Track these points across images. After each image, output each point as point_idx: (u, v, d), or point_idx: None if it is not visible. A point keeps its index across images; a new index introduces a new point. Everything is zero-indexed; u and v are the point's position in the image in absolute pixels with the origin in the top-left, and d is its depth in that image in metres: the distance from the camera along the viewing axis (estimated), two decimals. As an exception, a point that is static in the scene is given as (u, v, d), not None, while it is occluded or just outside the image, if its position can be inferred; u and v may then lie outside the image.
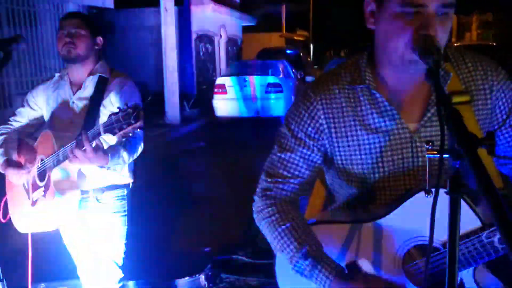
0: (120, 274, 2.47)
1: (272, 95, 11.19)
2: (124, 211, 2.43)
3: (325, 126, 1.35)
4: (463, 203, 1.14)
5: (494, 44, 18.41)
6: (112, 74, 2.37)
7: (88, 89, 2.33)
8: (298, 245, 1.31)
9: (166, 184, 6.42)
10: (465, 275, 1.21)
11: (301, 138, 1.37)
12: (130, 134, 1.85)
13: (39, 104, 2.45)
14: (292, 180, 1.39)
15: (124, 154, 2.15)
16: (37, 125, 2.49)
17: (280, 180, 1.39)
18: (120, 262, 2.46)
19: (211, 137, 10.41)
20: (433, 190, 0.84)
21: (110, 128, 1.84)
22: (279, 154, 1.40)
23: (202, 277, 3.25)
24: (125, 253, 2.46)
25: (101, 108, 2.26)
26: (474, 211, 1.17)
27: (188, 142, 9.83)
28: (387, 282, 1.27)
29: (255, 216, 1.43)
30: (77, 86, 2.36)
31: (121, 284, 2.49)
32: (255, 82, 11.44)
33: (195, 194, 6.09)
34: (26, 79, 8.64)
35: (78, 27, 2.28)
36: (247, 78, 11.52)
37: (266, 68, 11.96)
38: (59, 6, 9.27)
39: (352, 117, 1.33)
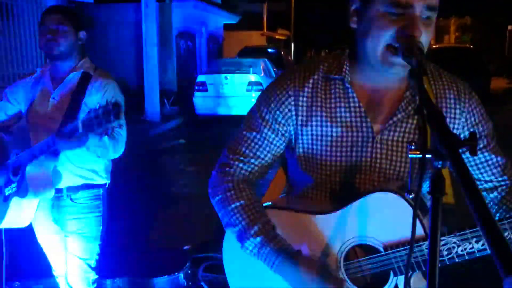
0: (93, 275, 2.43)
1: (253, 94, 11.18)
2: (99, 211, 2.39)
3: (293, 112, 1.36)
4: (411, 211, 1.17)
5: (471, 47, 18.75)
6: (95, 72, 2.33)
7: (70, 86, 2.28)
8: (250, 222, 1.31)
9: (145, 182, 6.36)
10: (401, 281, 1.23)
11: (268, 120, 1.37)
12: (110, 132, 1.82)
13: (18, 99, 2.40)
14: (252, 160, 1.39)
15: (105, 138, 2.09)
16: (15, 119, 2.43)
17: (241, 158, 1.39)
18: (93, 263, 2.41)
19: (191, 134, 10.36)
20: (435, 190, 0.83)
21: (89, 124, 1.81)
22: (244, 132, 1.40)
23: (181, 275, 3.23)
24: (99, 254, 2.42)
25: (83, 105, 2.22)
26: (420, 221, 1.18)
27: (168, 140, 9.77)
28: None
29: (210, 191, 1.42)
30: (58, 82, 2.31)
31: (95, 284, 2.46)
32: (236, 80, 11.43)
33: (174, 192, 6.05)
34: (4, 73, 8.46)
35: (60, 22, 2.23)
36: (228, 76, 11.50)
37: (247, 66, 11.95)
38: (38, -1, 9.10)
39: (320, 107, 1.34)
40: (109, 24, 13.83)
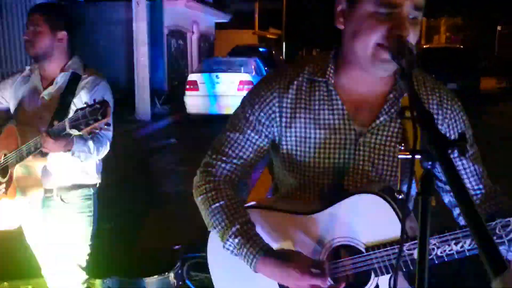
0: (84, 275, 2.41)
1: (244, 93, 11.14)
2: (90, 211, 2.38)
3: (277, 114, 1.36)
4: (392, 212, 1.18)
5: (461, 47, 18.89)
6: (85, 71, 2.31)
7: (59, 85, 2.26)
8: (229, 223, 1.32)
9: (136, 181, 6.33)
10: (381, 281, 1.24)
11: (252, 121, 1.38)
12: (97, 131, 1.81)
13: (6, 98, 2.37)
14: (235, 161, 1.40)
15: (90, 143, 2.09)
16: (3, 118, 2.41)
17: (224, 158, 1.40)
18: (84, 264, 2.40)
19: (182, 134, 10.33)
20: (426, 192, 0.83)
21: (76, 123, 1.80)
22: (228, 133, 1.41)
23: (171, 275, 3.21)
24: (89, 254, 2.41)
25: (72, 105, 2.20)
26: (400, 221, 1.19)
27: (159, 139, 9.73)
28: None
29: (193, 190, 1.43)
30: (48, 81, 2.29)
31: (85, 284, 2.44)
32: (227, 79, 11.41)
33: (165, 192, 6.03)
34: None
35: (37, 23, 2.20)
36: (219, 75, 11.48)
37: (238, 66, 11.95)
38: (27, -3, 9.02)
39: (304, 109, 1.35)
40: (100, 23, 13.73)
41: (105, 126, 1.83)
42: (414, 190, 1.32)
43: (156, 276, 3.18)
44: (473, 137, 1.39)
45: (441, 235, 1.18)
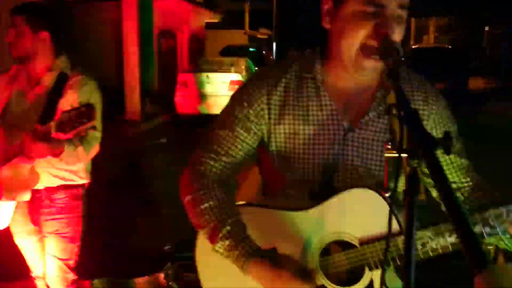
0: (72, 276, 2.40)
1: (235, 93, 11.15)
2: (79, 211, 2.36)
3: (266, 111, 1.37)
4: (386, 205, 1.20)
5: (450, 47, 19.03)
6: (73, 71, 2.28)
7: (46, 86, 2.24)
8: (219, 224, 1.30)
9: (126, 182, 6.31)
10: (376, 276, 1.25)
11: (241, 118, 1.38)
12: (83, 134, 1.80)
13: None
14: (224, 158, 1.39)
15: (80, 148, 2.08)
16: None
17: (212, 156, 1.39)
18: (72, 264, 2.38)
19: (173, 134, 10.29)
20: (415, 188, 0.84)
21: (61, 127, 1.78)
22: (217, 130, 1.41)
23: (161, 275, 3.21)
24: (78, 254, 2.39)
25: (59, 106, 2.18)
26: (395, 216, 1.20)
27: (149, 139, 9.69)
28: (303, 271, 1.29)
29: (180, 191, 1.42)
30: (35, 81, 2.27)
31: (75, 285, 2.43)
32: (218, 79, 11.39)
33: (155, 192, 6.00)
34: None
35: (18, 25, 2.18)
36: (210, 75, 11.46)
37: (229, 65, 11.93)
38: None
39: (292, 106, 1.36)
40: (89, 22, 13.63)
41: (92, 129, 1.82)
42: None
43: (146, 277, 3.18)
44: (458, 132, 1.42)
45: (435, 227, 1.20)
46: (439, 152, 0.82)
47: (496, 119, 11.89)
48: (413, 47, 18.64)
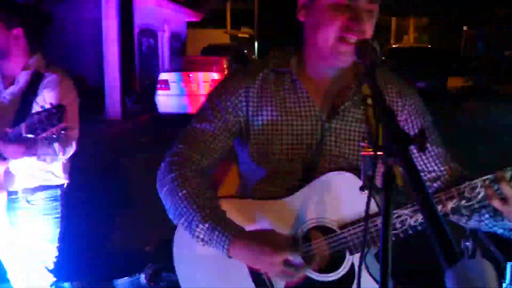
0: (51, 278, 2.36)
1: (216, 92, 11.11)
2: (57, 213, 2.33)
3: (244, 104, 1.38)
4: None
5: (429, 46, 19.28)
6: (48, 69, 2.24)
7: (20, 85, 2.20)
8: (197, 208, 1.29)
9: (106, 181, 6.24)
10: (356, 259, 1.26)
11: (218, 111, 1.39)
12: (54, 136, 1.77)
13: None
14: (202, 150, 1.39)
15: (56, 145, 2.04)
16: None
17: (190, 148, 1.39)
18: (51, 266, 2.35)
19: (154, 133, 10.22)
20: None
21: (32, 128, 1.75)
22: (194, 124, 1.42)
23: (142, 276, 3.18)
24: (57, 256, 2.36)
25: (34, 105, 2.14)
26: (373, 198, 1.21)
27: (130, 138, 9.61)
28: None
29: (157, 185, 1.41)
30: (10, 80, 2.23)
31: (53, 287, 2.39)
32: (199, 78, 11.36)
33: (136, 192, 5.95)
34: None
35: None
36: (191, 74, 11.42)
37: (210, 65, 11.90)
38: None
39: (270, 98, 1.38)
40: (68, 20, 13.44)
41: (64, 130, 1.79)
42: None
43: (126, 278, 3.16)
44: (432, 123, 1.46)
45: (413, 204, 1.23)
46: None
47: (473, 116, 12.10)
48: (393, 46, 18.84)
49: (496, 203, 1.22)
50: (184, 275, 1.43)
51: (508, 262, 2.20)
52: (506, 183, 1.21)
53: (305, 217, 1.29)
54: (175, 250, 1.43)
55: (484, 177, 1.23)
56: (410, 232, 1.24)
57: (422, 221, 1.23)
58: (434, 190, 1.44)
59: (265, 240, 1.24)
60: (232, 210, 1.34)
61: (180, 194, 1.33)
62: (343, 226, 1.26)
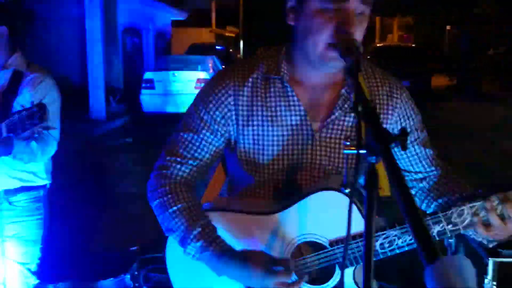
0: (34, 280, 2.33)
1: (202, 91, 11.08)
2: (40, 214, 2.30)
3: (233, 112, 1.35)
4: (354, 207, 1.21)
5: (414, 45, 19.46)
6: (29, 68, 2.21)
7: (0, 84, 2.16)
8: (189, 226, 1.29)
9: (90, 182, 6.19)
10: (347, 274, 1.28)
11: (206, 120, 1.36)
12: (36, 136, 1.75)
13: None
14: (190, 162, 1.37)
15: (33, 144, 2.01)
16: None
17: (178, 159, 1.37)
18: (34, 268, 2.32)
19: (138, 133, 10.16)
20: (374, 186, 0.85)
21: (12, 128, 1.73)
22: (182, 133, 1.38)
23: (127, 277, 3.16)
24: (40, 258, 2.33)
25: (15, 105, 2.11)
26: (362, 215, 1.22)
27: (114, 139, 9.54)
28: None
29: (148, 195, 1.40)
30: None
31: (36, 289, 2.36)
32: (184, 77, 11.31)
33: (120, 192, 5.91)
34: None
35: None
36: (176, 73, 11.37)
37: (195, 64, 11.87)
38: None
39: (261, 107, 1.35)
40: (51, 19, 13.28)
41: (45, 129, 1.76)
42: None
43: (111, 279, 3.12)
44: (422, 123, 1.45)
45: (402, 226, 1.24)
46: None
47: (457, 114, 12.25)
48: (377, 45, 18.97)
49: (481, 230, 1.23)
50: (177, 277, 1.41)
51: (490, 259, 2.23)
52: (494, 212, 1.22)
53: (295, 233, 1.29)
54: (168, 252, 1.41)
55: (472, 204, 1.24)
56: (398, 252, 1.25)
57: (410, 242, 1.24)
58: (420, 190, 1.46)
59: (256, 263, 1.25)
60: (223, 224, 1.34)
61: (170, 210, 1.32)
62: (334, 242, 1.27)
